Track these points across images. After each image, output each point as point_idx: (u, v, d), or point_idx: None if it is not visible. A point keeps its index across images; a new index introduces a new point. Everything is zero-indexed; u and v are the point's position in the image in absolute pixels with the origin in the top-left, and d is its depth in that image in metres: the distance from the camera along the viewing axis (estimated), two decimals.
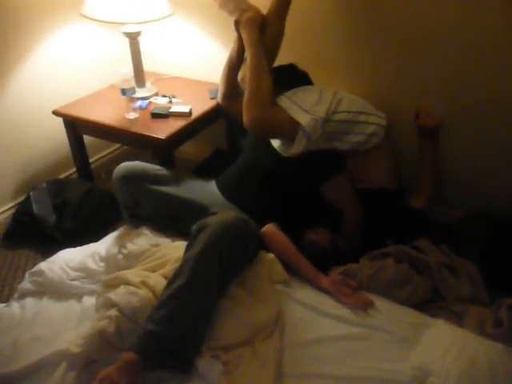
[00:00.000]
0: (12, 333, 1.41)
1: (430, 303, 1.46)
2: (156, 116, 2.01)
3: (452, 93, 1.83)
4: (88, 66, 2.35)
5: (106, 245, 1.69)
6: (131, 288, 1.38)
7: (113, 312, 1.33)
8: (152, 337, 1.23)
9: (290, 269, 1.55)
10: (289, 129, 1.62)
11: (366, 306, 1.40)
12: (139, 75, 2.19)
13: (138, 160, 1.86)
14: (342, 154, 1.70)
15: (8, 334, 1.41)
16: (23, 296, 1.56)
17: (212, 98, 2.14)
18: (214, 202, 1.73)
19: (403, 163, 1.92)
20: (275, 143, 1.72)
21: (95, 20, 1.94)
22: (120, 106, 2.11)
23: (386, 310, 1.40)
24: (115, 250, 1.64)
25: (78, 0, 2.00)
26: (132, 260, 1.60)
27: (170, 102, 2.14)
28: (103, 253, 1.64)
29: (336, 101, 1.66)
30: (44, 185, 2.17)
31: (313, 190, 1.68)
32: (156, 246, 1.62)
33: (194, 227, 1.41)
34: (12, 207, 2.18)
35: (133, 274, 1.45)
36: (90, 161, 2.34)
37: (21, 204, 2.14)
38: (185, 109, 2.02)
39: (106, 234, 1.79)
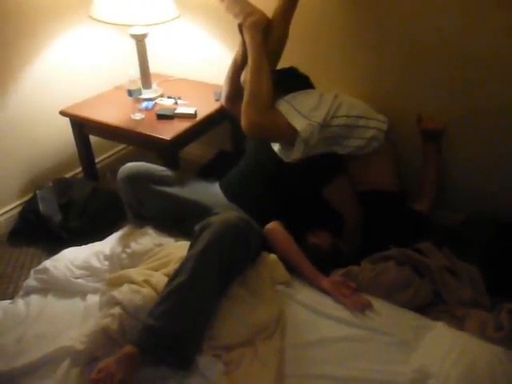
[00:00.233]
0: (17, 329, 1.43)
1: (431, 306, 1.46)
2: (161, 117, 2.02)
3: (455, 97, 1.83)
4: (95, 68, 2.37)
5: (110, 244, 1.70)
6: (134, 286, 1.40)
7: (116, 310, 1.34)
8: (151, 331, 1.24)
9: (291, 268, 1.55)
10: (287, 134, 1.62)
11: (364, 308, 1.40)
12: (145, 77, 2.20)
13: (142, 160, 1.87)
14: (343, 156, 1.70)
15: (13, 330, 1.43)
16: (28, 293, 1.57)
17: (217, 100, 2.16)
18: (217, 203, 1.73)
19: (406, 166, 1.93)
20: (275, 147, 1.72)
21: (103, 22, 1.97)
22: (126, 107, 2.13)
23: (387, 313, 1.40)
24: (119, 249, 1.66)
25: (85, 3, 2.03)
26: (136, 259, 1.61)
27: (176, 103, 2.16)
28: (107, 252, 1.66)
29: (336, 105, 1.65)
30: (50, 184, 2.19)
31: (314, 193, 1.68)
32: (159, 245, 1.64)
33: (197, 226, 1.43)
34: (18, 205, 2.20)
35: (136, 273, 1.47)
36: (96, 161, 2.37)
37: (27, 202, 2.17)
38: (190, 110, 2.04)
39: (110, 233, 1.80)
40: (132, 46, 2.16)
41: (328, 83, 1.88)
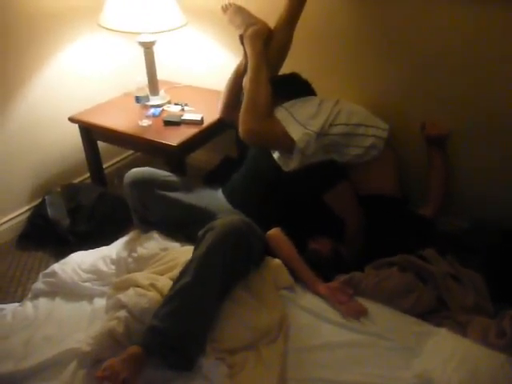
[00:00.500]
0: (25, 331, 1.45)
1: (434, 313, 1.46)
2: (168, 123, 2.05)
3: (461, 105, 1.83)
4: (103, 75, 2.41)
5: (116, 248, 1.72)
6: (140, 290, 1.42)
7: (122, 313, 1.36)
8: (155, 332, 1.26)
9: (292, 273, 1.56)
10: (284, 142, 1.62)
11: (359, 315, 1.40)
12: (153, 83, 2.23)
13: (150, 166, 1.89)
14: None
15: (21, 332, 1.45)
16: (36, 296, 1.60)
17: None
18: (221, 208, 1.74)
19: (411, 172, 1.93)
20: (274, 154, 1.72)
21: (112, 30, 2.00)
22: (134, 114, 2.16)
23: (390, 318, 1.41)
24: (125, 253, 1.67)
25: (95, 11, 2.07)
26: (141, 263, 1.63)
27: (183, 110, 2.18)
28: (114, 256, 1.68)
29: (335, 113, 1.65)
30: (59, 189, 2.23)
31: (315, 200, 1.68)
32: (165, 250, 1.65)
33: (201, 231, 1.45)
34: (27, 210, 2.23)
35: (142, 277, 1.48)
36: (104, 166, 2.39)
37: (36, 207, 2.20)
38: (196, 117, 2.06)
39: (117, 237, 1.82)
40: (140, 53, 2.19)
41: (333, 90, 1.89)
